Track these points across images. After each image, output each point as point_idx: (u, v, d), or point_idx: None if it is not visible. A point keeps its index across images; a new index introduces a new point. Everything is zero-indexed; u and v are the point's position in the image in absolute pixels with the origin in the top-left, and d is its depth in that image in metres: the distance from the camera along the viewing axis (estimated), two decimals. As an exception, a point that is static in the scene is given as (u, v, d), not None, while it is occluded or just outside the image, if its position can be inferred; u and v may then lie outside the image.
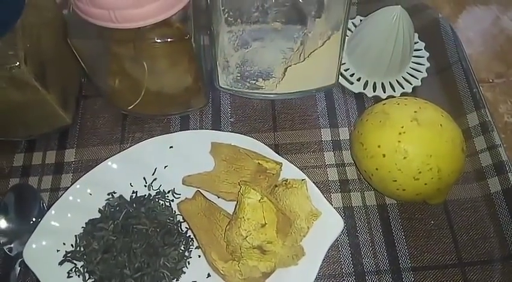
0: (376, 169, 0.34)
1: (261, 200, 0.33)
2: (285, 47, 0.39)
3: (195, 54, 0.35)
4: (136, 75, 0.37)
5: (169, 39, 0.33)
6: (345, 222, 0.37)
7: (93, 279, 0.34)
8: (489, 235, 0.37)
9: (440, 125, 0.33)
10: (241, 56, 0.40)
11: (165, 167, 0.38)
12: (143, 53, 0.34)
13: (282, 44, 0.38)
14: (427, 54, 0.45)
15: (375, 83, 0.44)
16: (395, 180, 0.33)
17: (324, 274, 0.36)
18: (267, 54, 0.40)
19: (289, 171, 0.37)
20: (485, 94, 0.45)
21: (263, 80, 0.41)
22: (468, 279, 0.36)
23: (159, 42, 0.32)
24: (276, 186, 0.36)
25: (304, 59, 0.39)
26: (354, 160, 0.39)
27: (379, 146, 0.33)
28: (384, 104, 0.35)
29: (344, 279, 0.35)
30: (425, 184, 0.33)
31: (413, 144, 0.32)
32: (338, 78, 0.42)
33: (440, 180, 0.32)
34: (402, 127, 0.33)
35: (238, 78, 0.41)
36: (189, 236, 0.35)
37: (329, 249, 0.36)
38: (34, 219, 0.36)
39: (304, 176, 0.36)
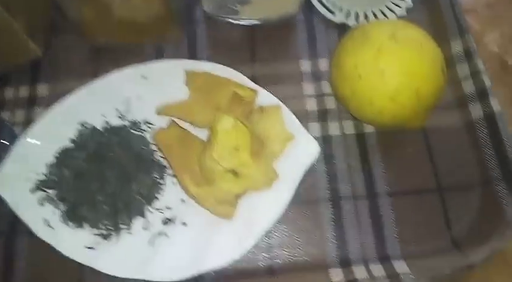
0: (352, 92, 0.33)
1: (235, 124, 0.33)
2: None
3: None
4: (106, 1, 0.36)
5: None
6: (322, 151, 0.37)
7: (65, 207, 0.33)
8: (469, 161, 0.37)
9: (421, 43, 0.31)
10: None
11: (139, 97, 0.37)
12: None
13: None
14: (412, -18, 0.44)
15: (357, 13, 0.42)
16: (372, 103, 0.32)
17: (301, 200, 0.35)
18: None
19: (265, 98, 0.36)
20: (471, 23, 0.44)
21: (240, 4, 0.40)
22: (446, 203, 0.35)
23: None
24: (250, 112, 0.35)
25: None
26: (332, 88, 0.38)
27: (356, 67, 0.32)
28: (364, 24, 0.34)
29: (320, 204, 0.35)
30: (403, 106, 0.32)
31: (391, 64, 0.31)
32: (299, 5, 0.41)
33: (419, 102, 0.31)
34: (380, 45, 0.31)
35: (220, 2, 0.40)
36: (164, 164, 0.35)
37: (306, 176, 0.36)
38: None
39: (277, 102, 0.35)
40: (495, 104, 0.36)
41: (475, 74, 0.38)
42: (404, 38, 0.31)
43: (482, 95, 0.37)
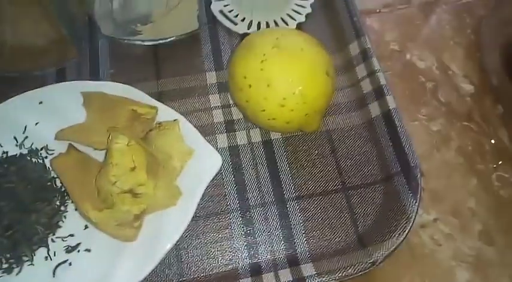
0: (247, 101, 0.33)
1: (129, 144, 0.32)
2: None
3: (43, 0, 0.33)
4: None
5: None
6: (230, 161, 0.37)
7: (-39, 244, 0.32)
8: (371, 159, 0.38)
9: (301, 49, 0.32)
10: None
11: (36, 123, 0.36)
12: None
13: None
14: (312, -11, 0.45)
15: (259, 23, 0.43)
16: (264, 110, 0.33)
17: (209, 212, 0.36)
18: None
19: (166, 114, 0.36)
20: (373, 24, 0.46)
21: (141, 25, 0.40)
22: (351, 202, 0.36)
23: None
24: (150, 130, 0.35)
25: (171, 8, 0.38)
26: (231, 98, 0.38)
27: (245, 77, 0.33)
28: (250, 35, 0.35)
29: (230, 215, 0.35)
30: (292, 110, 0.32)
31: (275, 71, 0.32)
32: (200, 23, 0.42)
33: (306, 105, 0.32)
34: (264, 55, 0.32)
35: (120, 23, 0.40)
36: (64, 190, 0.34)
37: (214, 187, 0.36)
38: None
39: (178, 117, 0.35)
40: (391, 102, 0.38)
41: (371, 74, 0.39)
42: (286, 46, 0.32)
43: (378, 93, 0.39)
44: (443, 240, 0.37)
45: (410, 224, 0.34)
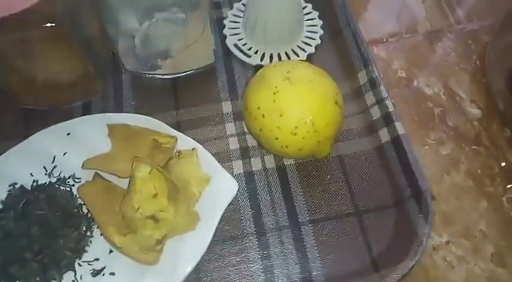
0: (260, 130, 0.35)
1: (151, 172, 0.34)
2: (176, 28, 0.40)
3: (71, 39, 0.36)
4: (24, 67, 0.38)
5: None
6: (245, 186, 0.39)
7: (-4, 267, 0.34)
8: (382, 183, 0.39)
9: (311, 80, 0.34)
10: (145, 31, 0.41)
11: (64, 153, 0.38)
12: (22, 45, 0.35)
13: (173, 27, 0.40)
14: (321, 22, 0.47)
15: (271, 54, 0.45)
16: (277, 138, 0.35)
17: (226, 236, 0.37)
18: (166, 30, 0.41)
19: (185, 143, 0.38)
20: (380, 53, 0.48)
21: (161, 59, 0.43)
22: (365, 226, 0.38)
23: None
24: (170, 158, 0.37)
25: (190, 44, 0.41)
26: (246, 127, 0.40)
27: (258, 108, 0.35)
28: (263, 68, 0.37)
29: (246, 239, 0.37)
30: (304, 138, 0.34)
31: (287, 102, 0.34)
32: (216, 57, 0.44)
33: (317, 133, 0.34)
34: (276, 87, 0.34)
35: (141, 58, 0.42)
36: (90, 216, 0.36)
37: (231, 212, 0.38)
38: None
39: (196, 145, 0.37)
40: (400, 128, 0.39)
41: (380, 101, 0.41)
42: (296, 78, 0.34)
43: (387, 120, 0.40)
44: (456, 262, 0.37)
45: (422, 247, 0.34)
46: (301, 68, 0.35)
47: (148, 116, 0.39)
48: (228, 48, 0.46)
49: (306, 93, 0.34)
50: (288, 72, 0.35)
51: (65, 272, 0.34)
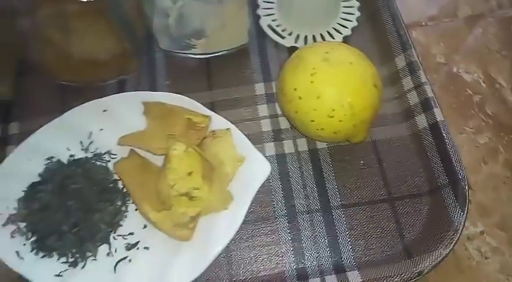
0: (296, 112, 0.35)
1: (186, 150, 0.35)
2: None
3: (109, 15, 0.36)
4: (61, 42, 0.38)
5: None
6: (277, 169, 0.39)
7: (34, 238, 0.35)
8: (417, 170, 0.39)
9: (350, 62, 0.34)
10: (179, 9, 0.40)
11: (101, 129, 0.39)
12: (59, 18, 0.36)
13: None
14: (357, 3, 0.46)
15: (306, 36, 0.45)
16: (313, 121, 0.34)
17: (257, 217, 0.37)
18: (199, 9, 0.41)
19: (219, 123, 0.38)
20: (418, 37, 0.46)
21: (195, 39, 0.43)
22: (398, 213, 0.37)
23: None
24: (204, 137, 0.37)
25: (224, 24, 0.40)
26: (280, 109, 0.40)
27: (295, 89, 0.34)
28: (300, 49, 0.36)
29: (277, 221, 0.37)
30: (340, 121, 0.34)
31: (325, 84, 0.33)
32: (249, 37, 0.43)
33: (354, 116, 0.34)
34: (314, 68, 0.34)
35: (176, 38, 0.42)
36: (126, 192, 0.37)
37: (262, 194, 0.38)
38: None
39: (230, 125, 0.37)
40: (438, 114, 0.38)
41: (418, 86, 0.40)
42: (335, 59, 0.33)
43: (425, 105, 0.39)
44: (490, 253, 0.37)
45: (458, 236, 0.34)
46: (340, 50, 0.34)
47: (182, 95, 0.39)
48: (262, 29, 0.45)
49: (344, 75, 0.33)
50: (326, 53, 0.34)
51: (100, 245, 0.35)
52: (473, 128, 0.42)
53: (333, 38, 0.44)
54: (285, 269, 0.35)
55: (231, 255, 0.36)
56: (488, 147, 0.41)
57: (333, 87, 0.33)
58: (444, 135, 0.38)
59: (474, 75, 0.45)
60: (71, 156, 0.38)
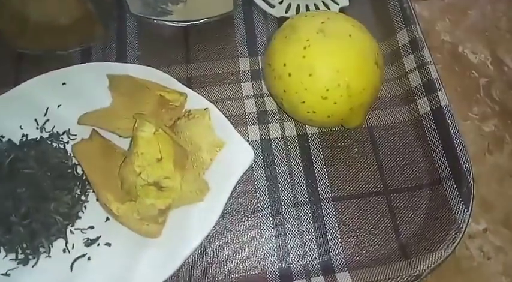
0: (284, 91, 0.30)
1: (156, 132, 0.30)
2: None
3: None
4: (15, 3, 0.33)
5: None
6: (261, 155, 0.35)
7: (-23, 230, 0.30)
8: (417, 160, 0.35)
9: (349, 35, 0.29)
10: None
11: (59, 106, 0.34)
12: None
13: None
14: (357, -30, 0.41)
15: (298, 5, 0.40)
16: (304, 102, 0.30)
17: (237, 210, 0.33)
18: None
19: (196, 102, 0.33)
20: (422, 12, 0.42)
21: (172, 4, 0.37)
22: (393, 207, 0.33)
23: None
24: (178, 118, 0.32)
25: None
26: (266, 87, 0.35)
27: (284, 65, 0.30)
28: (293, 18, 0.32)
29: (259, 214, 0.33)
30: (335, 103, 0.29)
31: (319, 59, 0.29)
32: (234, 5, 0.38)
33: (351, 98, 0.29)
34: (307, 40, 0.29)
35: (149, 1, 0.37)
36: (86, 179, 0.32)
37: (244, 183, 0.34)
38: None
39: (208, 105, 0.32)
40: (443, 98, 0.34)
41: (421, 66, 0.36)
42: (332, 31, 0.29)
43: (429, 87, 0.35)
44: (492, 253, 0.33)
45: (461, 235, 0.31)
46: (338, 20, 0.30)
47: (155, 68, 0.34)
48: (249, -5, 0.40)
49: (342, 49, 0.28)
50: (322, 23, 0.29)
51: (55, 239, 0.31)
52: (478, 114, 0.38)
53: (329, 9, 0.39)
54: (267, 269, 0.31)
55: (207, 253, 0.32)
56: (494, 135, 0.37)
57: (329, 63, 0.28)
58: (449, 121, 0.34)
59: (481, 56, 0.41)
60: (24, 135, 0.33)
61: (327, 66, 0.28)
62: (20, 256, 0.30)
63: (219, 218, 0.30)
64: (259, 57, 0.38)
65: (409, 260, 0.31)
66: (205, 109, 0.32)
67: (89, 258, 0.30)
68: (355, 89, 0.29)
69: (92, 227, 0.31)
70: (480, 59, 0.41)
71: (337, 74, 0.28)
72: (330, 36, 0.29)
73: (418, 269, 0.30)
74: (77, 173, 0.32)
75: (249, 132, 0.35)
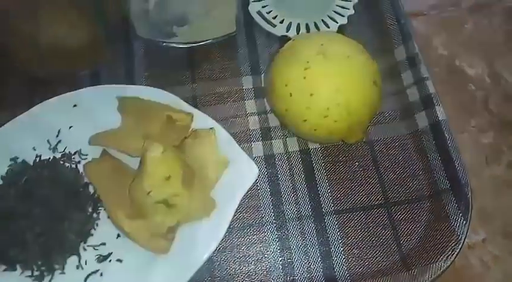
0: (286, 110, 0.32)
1: (164, 152, 0.31)
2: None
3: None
4: (27, 28, 0.34)
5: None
6: (265, 171, 0.36)
7: (-5, 248, 0.32)
8: (417, 173, 0.36)
9: (348, 56, 0.30)
10: None
11: (70, 127, 0.35)
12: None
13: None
14: (355, -11, 0.43)
15: (298, 24, 0.41)
16: (306, 120, 0.31)
17: (243, 224, 0.34)
18: None
19: (201, 121, 0.34)
20: (419, 27, 0.43)
21: (177, 26, 0.39)
22: (394, 219, 0.34)
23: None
24: (185, 138, 0.34)
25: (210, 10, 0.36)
26: (269, 105, 0.37)
27: (286, 85, 0.31)
28: (293, 39, 0.33)
29: (264, 228, 0.34)
30: (336, 121, 0.30)
31: (320, 79, 0.30)
32: (237, 26, 0.40)
33: (351, 116, 0.30)
34: (308, 62, 0.30)
35: (155, 25, 0.38)
36: (97, 197, 0.33)
37: (249, 198, 0.35)
38: None
39: (214, 125, 0.33)
40: (440, 112, 0.35)
41: (419, 82, 0.37)
42: (332, 52, 0.30)
43: (427, 102, 0.36)
44: (492, 262, 0.34)
45: (460, 246, 0.31)
46: (337, 41, 0.31)
47: (161, 89, 0.36)
48: (251, 16, 0.42)
49: (341, 70, 0.30)
50: (322, 45, 0.30)
51: (69, 256, 0.32)
52: (475, 126, 0.39)
53: (328, 27, 0.40)
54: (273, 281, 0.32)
55: (214, 267, 0.33)
56: (491, 147, 0.38)
57: (329, 83, 0.30)
58: (446, 135, 0.35)
59: (478, 69, 0.42)
60: (37, 156, 0.35)
61: (327, 86, 0.30)
62: (36, 273, 0.31)
63: (225, 233, 0.31)
64: (262, 76, 0.40)
65: (410, 271, 0.31)
66: (210, 129, 0.33)
67: (101, 274, 0.31)
68: (354, 107, 0.30)
69: (103, 244, 0.32)
70: (477, 72, 0.42)
71: (337, 94, 0.30)
72: (329, 58, 0.30)
73: (419, 279, 0.31)
74: (88, 191, 0.34)
75: (253, 149, 0.37)
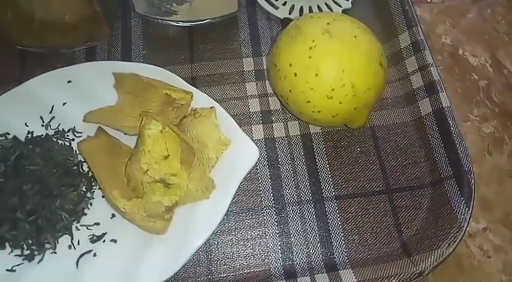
0: (290, 91, 0.31)
1: (163, 130, 0.30)
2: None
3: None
4: (23, 2, 0.33)
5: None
6: (266, 154, 0.35)
7: (-17, 226, 0.30)
8: (419, 160, 0.35)
9: (354, 36, 0.29)
10: None
11: (64, 103, 0.34)
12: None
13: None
14: (360, -27, 0.42)
15: (301, 7, 0.40)
16: (309, 101, 0.30)
17: (242, 208, 0.33)
18: None
19: (201, 100, 0.33)
20: (423, 15, 0.42)
21: (177, 4, 0.37)
22: (396, 206, 0.34)
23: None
24: (185, 116, 0.33)
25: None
26: (271, 87, 0.36)
27: (290, 65, 0.30)
28: (298, 19, 0.32)
29: (263, 212, 0.33)
30: (340, 103, 0.30)
31: (325, 59, 0.29)
32: (239, 5, 0.39)
33: (356, 98, 0.30)
34: (313, 41, 0.29)
35: (154, 1, 0.37)
36: (91, 176, 0.32)
37: (248, 182, 0.34)
38: None
39: (214, 104, 0.32)
40: (444, 99, 0.35)
41: (423, 68, 0.36)
42: (338, 32, 0.29)
43: (430, 89, 0.36)
44: (492, 251, 0.34)
45: (462, 233, 0.31)
46: (344, 21, 0.30)
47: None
48: (253, -4, 0.41)
49: (348, 50, 0.29)
50: (328, 24, 0.30)
51: (61, 235, 0.31)
52: (478, 116, 0.39)
53: (331, 10, 0.40)
54: (271, 266, 0.32)
55: (211, 250, 0.32)
56: (493, 137, 0.38)
57: (334, 63, 0.29)
58: (450, 122, 0.34)
59: (481, 58, 0.41)
60: (29, 132, 0.33)
61: (333, 66, 0.29)
62: (26, 252, 0.30)
63: (224, 215, 0.30)
64: (263, 58, 0.39)
65: (411, 258, 0.31)
66: (211, 108, 0.32)
67: (94, 254, 0.30)
68: (360, 88, 0.29)
69: (97, 224, 0.31)
70: (480, 62, 0.41)
71: (342, 74, 0.29)
72: (335, 37, 0.29)
73: (420, 266, 0.30)
74: (82, 170, 0.33)
75: (253, 132, 0.36)
